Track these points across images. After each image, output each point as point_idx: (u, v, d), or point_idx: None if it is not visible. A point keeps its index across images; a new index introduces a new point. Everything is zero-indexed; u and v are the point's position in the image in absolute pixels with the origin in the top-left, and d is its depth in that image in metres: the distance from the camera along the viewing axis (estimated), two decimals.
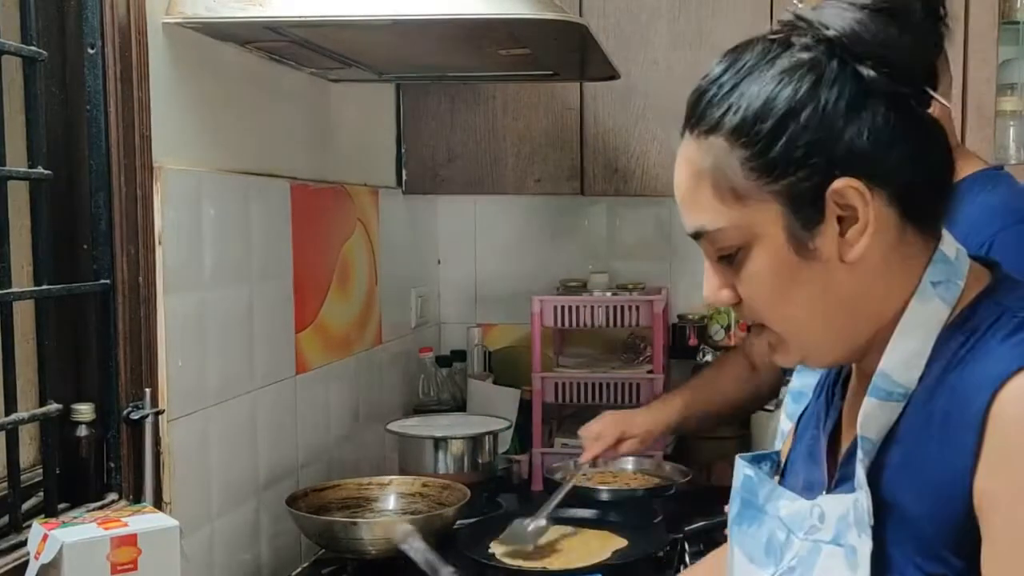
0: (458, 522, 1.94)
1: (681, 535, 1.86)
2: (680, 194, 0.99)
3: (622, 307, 2.44)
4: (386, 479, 2.06)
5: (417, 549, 1.37)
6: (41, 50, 1.33)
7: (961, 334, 0.93)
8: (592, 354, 2.70)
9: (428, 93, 2.52)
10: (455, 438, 2.20)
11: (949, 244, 0.98)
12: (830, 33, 0.92)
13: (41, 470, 1.37)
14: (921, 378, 0.94)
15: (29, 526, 1.28)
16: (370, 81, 2.15)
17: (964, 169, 1.65)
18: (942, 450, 0.89)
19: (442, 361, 2.64)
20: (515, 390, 2.57)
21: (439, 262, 2.93)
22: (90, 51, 1.41)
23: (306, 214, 1.99)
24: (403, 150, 2.55)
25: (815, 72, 0.92)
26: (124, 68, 1.43)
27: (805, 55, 0.93)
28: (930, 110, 0.96)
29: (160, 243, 1.51)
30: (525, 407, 2.51)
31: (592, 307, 2.44)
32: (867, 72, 0.91)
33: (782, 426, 1.15)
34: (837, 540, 0.95)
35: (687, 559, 1.82)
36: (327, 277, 2.12)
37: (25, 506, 1.34)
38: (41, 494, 1.37)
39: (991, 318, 0.92)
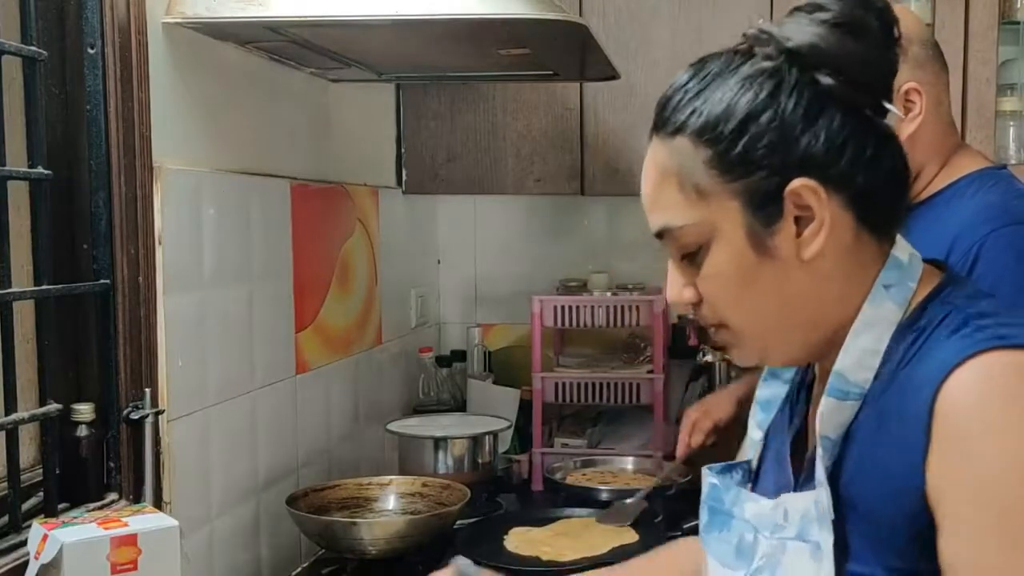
0: (458, 522, 1.94)
1: (680, 534, 1.86)
2: (646, 194, 1.05)
3: (622, 307, 2.44)
4: (386, 479, 2.06)
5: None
6: (41, 50, 1.33)
7: (911, 333, 0.97)
8: (592, 354, 2.70)
9: (428, 93, 2.52)
10: (455, 438, 2.20)
11: (902, 248, 1.02)
12: (790, 44, 0.96)
13: (41, 470, 1.37)
14: (876, 377, 0.97)
15: (29, 526, 1.28)
16: (370, 81, 2.15)
17: (965, 166, 1.65)
18: (894, 446, 0.93)
19: (442, 361, 2.64)
20: (515, 390, 2.57)
21: (439, 262, 2.93)
22: (90, 51, 1.41)
23: (306, 214, 1.99)
24: (403, 150, 2.55)
25: (775, 79, 0.96)
26: (124, 68, 1.43)
27: (767, 64, 0.98)
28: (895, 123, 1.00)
29: (160, 243, 1.51)
30: (525, 407, 2.51)
31: (592, 307, 2.44)
32: (825, 80, 0.95)
33: (751, 435, 1.17)
34: (801, 536, 0.98)
35: None
36: (327, 277, 2.12)
37: (25, 506, 1.34)
38: (41, 494, 1.37)
39: (940, 316, 0.96)
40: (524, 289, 2.67)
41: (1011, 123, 2.37)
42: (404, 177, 2.56)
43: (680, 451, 2.15)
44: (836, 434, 0.98)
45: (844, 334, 0.99)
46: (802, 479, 1.03)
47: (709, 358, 2.57)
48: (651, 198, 1.04)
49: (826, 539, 0.95)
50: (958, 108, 2.21)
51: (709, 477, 1.12)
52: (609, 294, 2.55)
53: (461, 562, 1.34)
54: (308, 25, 1.57)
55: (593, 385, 2.46)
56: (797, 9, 0.99)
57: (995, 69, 2.27)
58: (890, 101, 0.99)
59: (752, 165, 0.96)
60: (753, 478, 1.15)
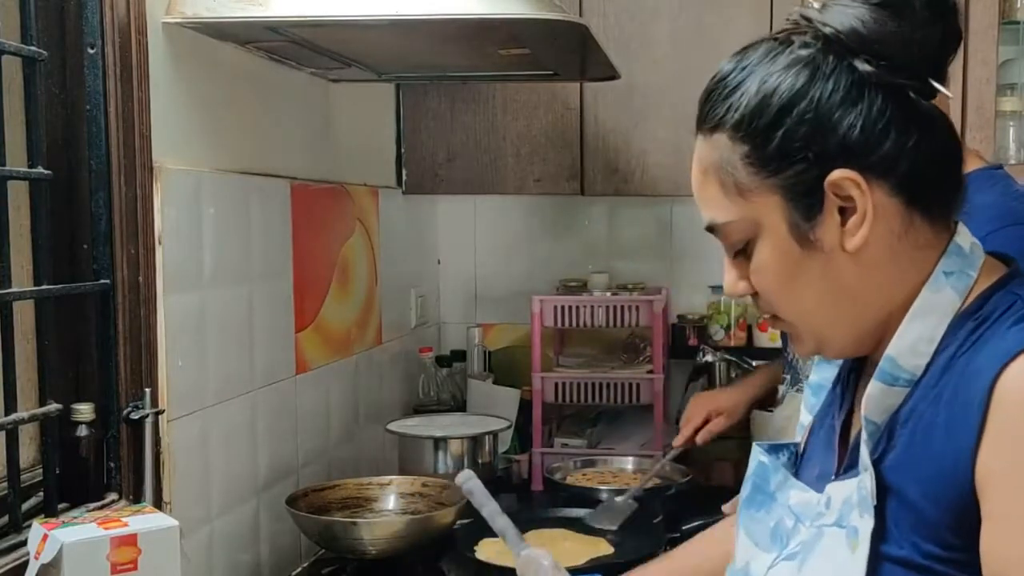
0: (458, 522, 1.94)
1: (680, 535, 1.86)
2: (694, 190, 1.03)
3: (622, 307, 2.44)
4: (386, 479, 2.06)
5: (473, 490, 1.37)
6: (41, 50, 1.33)
7: (972, 321, 0.95)
8: (592, 354, 2.70)
9: (428, 93, 2.52)
10: (455, 438, 2.20)
11: (964, 236, 1.00)
12: (827, 30, 0.95)
13: (41, 470, 1.37)
14: (929, 365, 0.95)
15: (29, 526, 1.27)
16: (370, 81, 2.15)
17: (964, 168, 1.65)
18: (947, 431, 0.91)
19: (442, 361, 2.64)
20: (515, 390, 2.57)
21: (439, 262, 2.93)
22: (90, 51, 1.41)
23: (306, 214, 1.99)
24: (403, 150, 2.55)
25: (811, 67, 0.95)
26: (124, 68, 1.43)
27: (803, 52, 0.96)
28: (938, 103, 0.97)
29: (160, 243, 1.51)
30: (525, 407, 2.51)
31: (592, 307, 2.44)
32: (863, 66, 0.93)
33: (802, 419, 1.17)
34: (840, 522, 0.97)
35: None
36: (327, 277, 2.12)
37: (25, 506, 1.34)
38: (41, 494, 1.37)
39: (1003, 306, 0.94)
40: (524, 289, 2.67)
41: (1011, 123, 2.37)
42: (404, 177, 2.56)
43: (678, 441, 2.16)
44: (882, 419, 0.97)
45: (897, 321, 0.97)
46: (845, 464, 1.02)
47: (709, 358, 2.58)
48: (698, 195, 1.03)
49: (866, 524, 0.94)
50: (958, 108, 2.22)
51: (759, 454, 1.10)
52: (609, 294, 2.55)
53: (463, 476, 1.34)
54: (308, 25, 1.57)
55: (593, 385, 2.46)
56: None
57: (995, 69, 2.27)
58: (940, 79, 0.95)
59: (790, 158, 0.95)
60: (798, 461, 1.14)
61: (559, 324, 2.46)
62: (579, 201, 2.76)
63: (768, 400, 2.26)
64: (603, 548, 1.95)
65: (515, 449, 2.50)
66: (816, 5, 0.97)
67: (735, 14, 2.37)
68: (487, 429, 2.25)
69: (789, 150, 0.95)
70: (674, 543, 1.91)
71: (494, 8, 1.49)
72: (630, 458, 2.43)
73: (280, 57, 1.84)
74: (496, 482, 2.33)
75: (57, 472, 1.38)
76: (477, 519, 2.05)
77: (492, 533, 1.86)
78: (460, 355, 2.72)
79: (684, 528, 1.85)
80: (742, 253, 1.01)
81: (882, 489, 0.94)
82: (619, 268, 2.77)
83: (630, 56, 2.35)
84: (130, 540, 1.21)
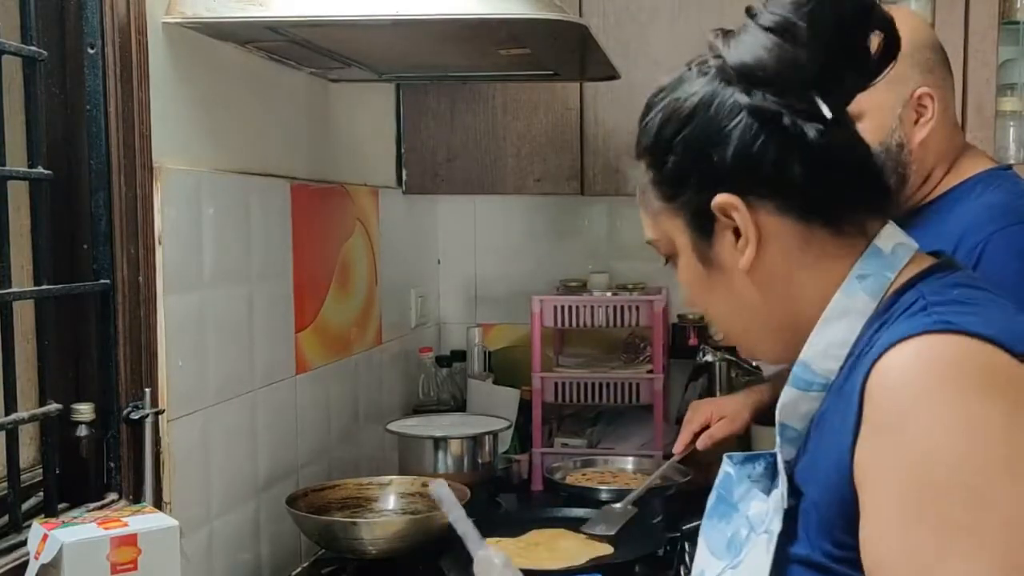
0: None
1: (680, 534, 1.86)
2: None
3: (622, 307, 2.44)
4: (386, 479, 2.06)
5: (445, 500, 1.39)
6: (41, 50, 1.33)
7: (879, 322, 0.96)
8: (592, 354, 2.70)
9: (428, 93, 2.52)
10: (455, 438, 2.20)
11: (888, 238, 1.00)
12: (716, 61, 1.00)
13: (41, 470, 1.37)
14: (842, 368, 0.97)
15: (29, 526, 1.27)
16: (370, 81, 2.15)
17: (972, 168, 1.66)
18: (837, 430, 0.92)
19: (442, 361, 2.64)
20: (515, 390, 2.57)
21: (439, 262, 2.93)
22: (90, 51, 1.41)
23: (306, 214, 1.99)
24: (403, 150, 2.55)
25: (702, 95, 0.99)
26: (124, 68, 1.43)
27: (700, 80, 1.01)
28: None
29: (160, 243, 1.51)
30: (525, 407, 2.51)
31: (592, 307, 2.44)
32: (742, 97, 0.97)
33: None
34: (767, 528, 1.00)
35: (687, 559, 1.82)
36: (327, 277, 2.12)
37: (25, 506, 1.34)
38: (41, 494, 1.37)
39: (907, 304, 0.94)
40: (524, 289, 2.67)
41: (1011, 123, 2.37)
42: (404, 177, 2.56)
43: (678, 448, 2.15)
44: (802, 425, 1.00)
45: None
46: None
47: (709, 358, 2.58)
48: (640, 213, 1.10)
49: (775, 527, 0.97)
50: (958, 108, 2.21)
51: (726, 465, 1.11)
52: (609, 294, 2.55)
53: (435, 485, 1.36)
54: (308, 25, 1.57)
55: (593, 385, 2.46)
56: (748, 11, 1.01)
57: (995, 69, 2.27)
58: (836, 98, 0.97)
59: (682, 183, 1.00)
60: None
61: (559, 324, 2.46)
62: (579, 201, 2.76)
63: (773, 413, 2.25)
64: (602, 548, 1.95)
65: (515, 449, 2.50)
66: (722, 32, 1.02)
67: (735, 14, 2.36)
68: (487, 429, 2.25)
69: (681, 175, 1.00)
70: (674, 543, 1.91)
71: (494, 8, 1.49)
72: (630, 458, 2.43)
73: (280, 57, 1.84)
74: (496, 482, 2.34)
75: (57, 472, 1.38)
76: (477, 519, 2.06)
77: (494, 532, 1.89)
78: (460, 355, 2.72)
79: (684, 528, 1.85)
80: (675, 265, 1.07)
81: (797, 493, 0.98)
82: (619, 268, 2.77)
83: (630, 56, 2.35)
84: (130, 540, 1.21)
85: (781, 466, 0.99)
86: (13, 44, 1.29)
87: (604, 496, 2.19)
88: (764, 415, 2.19)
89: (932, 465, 0.83)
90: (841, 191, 1.00)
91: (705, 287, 1.04)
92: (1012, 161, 2.33)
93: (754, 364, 2.50)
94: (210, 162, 1.67)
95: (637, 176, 1.07)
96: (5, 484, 1.33)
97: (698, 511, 1.95)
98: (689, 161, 0.99)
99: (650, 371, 2.47)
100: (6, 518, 1.31)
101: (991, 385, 0.85)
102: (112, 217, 1.43)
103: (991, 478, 0.82)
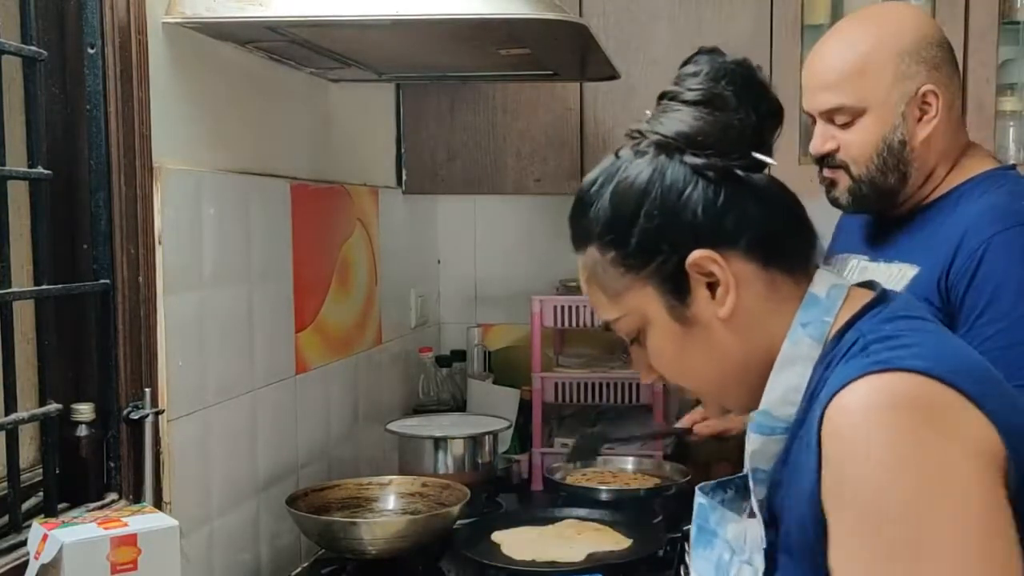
0: (458, 522, 1.94)
1: (680, 535, 1.86)
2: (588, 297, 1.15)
3: None
4: (386, 479, 2.06)
5: None
6: (41, 50, 1.33)
7: (824, 362, 1.02)
8: (592, 354, 2.69)
9: (428, 93, 2.52)
10: (455, 438, 2.20)
11: (821, 283, 1.07)
12: (655, 137, 1.06)
13: (41, 470, 1.37)
14: (800, 409, 1.03)
15: (29, 526, 1.27)
16: (370, 81, 2.15)
17: (974, 168, 1.65)
18: (802, 473, 0.98)
19: (442, 361, 2.64)
20: (515, 390, 2.57)
21: (439, 262, 2.93)
22: (90, 51, 1.41)
23: (306, 214, 1.99)
24: (403, 150, 2.55)
25: (649, 171, 1.05)
26: (124, 68, 1.43)
27: (641, 160, 1.07)
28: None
29: (160, 243, 1.51)
30: (525, 407, 2.51)
31: (592, 307, 2.43)
32: (692, 159, 1.04)
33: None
34: (749, 560, 1.07)
35: (687, 559, 1.82)
36: (327, 277, 2.12)
37: (25, 506, 1.34)
38: (41, 494, 1.37)
39: (848, 344, 1.01)
40: (524, 289, 2.67)
41: (1011, 123, 2.36)
42: (404, 177, 2.56)
43: (683, 423, 2.13)
44: (770, 465, 1.06)
45: None
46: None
47: None
48: (590, 301, 1.14)
49: (758, 563, 1.04)
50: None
51: (699, 497, 1.17)
52: None
53: None
54: (308, 25, 1.57)
55: (593, 385, 2.46)
56: (662, 96, 1.08)
57: (995, 69, 2.27)
58: (766, 151, 1.06)
59: (650, 252, 1.05)
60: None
61: (559, 324, 2.45)
62: None
63: None
64: (612, 539, 1.97)
65: (515, 449, 2.50)
66: (645, 118, 1.09)
67: (735, 14, 2.37)
68: (487, 429, 2.25)
69: (647, 246, 1.05)
70: (674, 543, 1.91)
71: (494, 8, 1.49)
72: (630, 458, 2.43)
73: (280, 57, 1.84)
74: (496, 482, 2.34)
75: (57, 472, 1.38)
76: (478, 519, 2.07)
77: (503, 525, 1.96)
78: (460, 355, 2.72)
79: (684, 528, 1.85)
80: (637, 342, 1.10)
81: (776, 522, 1.04)
82: None
83: (630, 56, 2.36)
84: (130, 540, 1.21)
85: (756, 507, 1.05)
86: (13, 44, 1.29)
87: (604, 496, 2.19)
88: None
89: (880, 503, 0.90)
90: (789, 233, 1.07)
91: (680, 347, 1.08)
92: (1012, 161, 2.33)
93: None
94: (210, 162, 1.67)
95: (582, 265, 1.11)
96: (5, 484, 1.33)
97: None
98: (656, 229, 1.04)
99: None
100: (6, 518, 1.31)
101: (926, 419, 0.92)
102: (112, 217, 1.43)
103: (933, 507, 0.89)
